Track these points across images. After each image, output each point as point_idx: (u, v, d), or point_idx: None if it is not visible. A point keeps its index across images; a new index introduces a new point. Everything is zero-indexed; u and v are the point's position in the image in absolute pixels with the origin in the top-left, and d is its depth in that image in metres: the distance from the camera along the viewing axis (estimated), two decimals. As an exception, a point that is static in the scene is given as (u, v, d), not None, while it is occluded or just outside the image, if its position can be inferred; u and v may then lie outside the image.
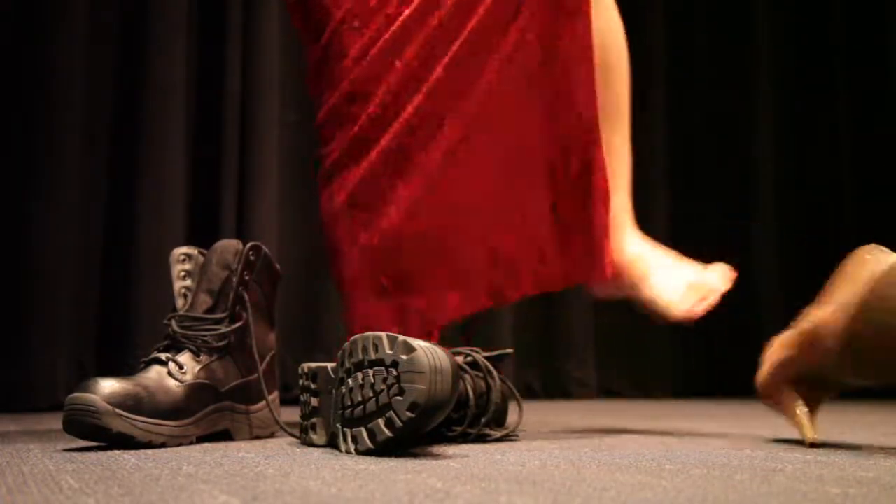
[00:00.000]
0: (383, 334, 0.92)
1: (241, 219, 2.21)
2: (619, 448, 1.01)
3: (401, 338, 0.90)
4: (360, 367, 0.94)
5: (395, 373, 0.88)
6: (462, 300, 1.24)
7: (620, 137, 1.33)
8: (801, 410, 1.03)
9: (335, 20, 1.26)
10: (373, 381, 0.91)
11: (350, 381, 0.95)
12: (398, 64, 1.22)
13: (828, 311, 0.96)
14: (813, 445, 1.01)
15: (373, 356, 0.92)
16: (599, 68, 1.26)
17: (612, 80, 1.29)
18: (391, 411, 0.88)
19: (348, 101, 1.25)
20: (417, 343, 0.89)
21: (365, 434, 0.91)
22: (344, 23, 1.25)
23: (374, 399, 0.91)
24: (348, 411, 0.94)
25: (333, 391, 0.99)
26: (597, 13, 1.26)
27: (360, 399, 0.93)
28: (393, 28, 1.22)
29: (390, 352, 0.90)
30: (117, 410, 0.96)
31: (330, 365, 1.02)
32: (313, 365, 1.05)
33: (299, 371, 1.07)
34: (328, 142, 1.29)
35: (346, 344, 0.98)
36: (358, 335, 0.96)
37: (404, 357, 0.88)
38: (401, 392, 0.88)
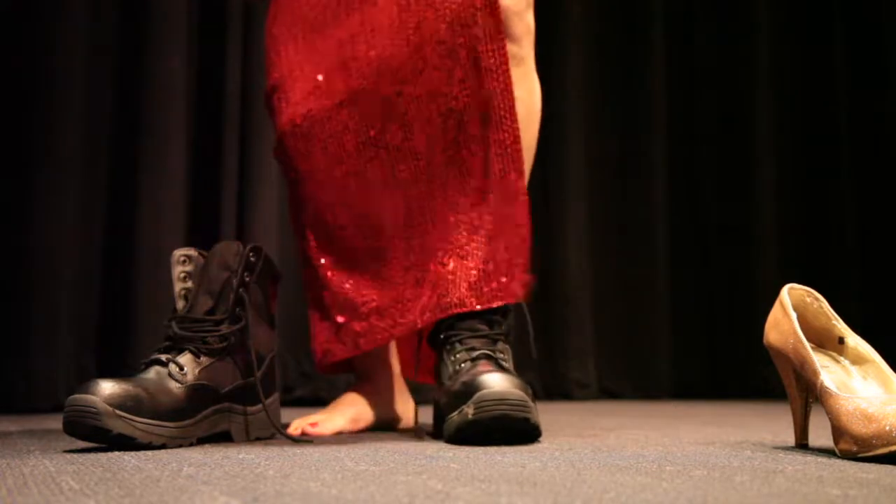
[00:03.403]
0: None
1: (241, 219, 2.21)
2: (620, 449, 1.01)
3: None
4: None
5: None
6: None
7: None
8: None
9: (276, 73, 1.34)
10: None
11: None
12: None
13: None
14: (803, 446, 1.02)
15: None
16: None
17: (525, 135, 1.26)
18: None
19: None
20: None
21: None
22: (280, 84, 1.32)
23: None
24: None
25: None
26: (518, 79, 1.23)
27: None
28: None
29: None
30: (117, 411, 0.96)
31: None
32: None
33: None
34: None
35: None
36: None
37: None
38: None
